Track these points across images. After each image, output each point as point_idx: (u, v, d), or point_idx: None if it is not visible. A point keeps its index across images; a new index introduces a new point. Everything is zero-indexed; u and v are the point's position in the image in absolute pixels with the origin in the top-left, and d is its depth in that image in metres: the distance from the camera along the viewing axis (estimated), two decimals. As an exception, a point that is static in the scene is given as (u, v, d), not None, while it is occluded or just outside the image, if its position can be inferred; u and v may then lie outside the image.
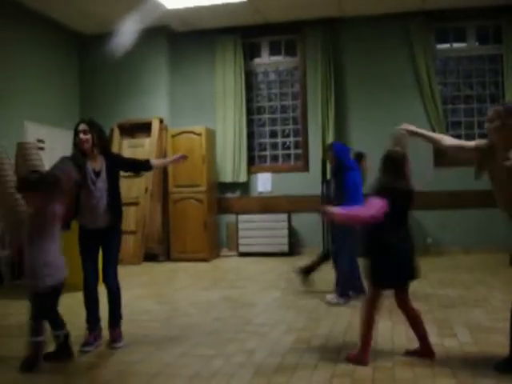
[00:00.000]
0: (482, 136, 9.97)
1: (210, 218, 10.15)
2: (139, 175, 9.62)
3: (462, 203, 9.65)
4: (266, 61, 11.02)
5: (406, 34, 10.05)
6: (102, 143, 4.75)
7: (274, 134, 10.97)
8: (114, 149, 10.45)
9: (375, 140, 10.06)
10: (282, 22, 10.46)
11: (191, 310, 5.93)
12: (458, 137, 10.13)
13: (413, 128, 4.28)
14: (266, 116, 11.01)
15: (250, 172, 10.68)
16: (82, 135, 4.61)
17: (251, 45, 11.01)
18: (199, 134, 10.07)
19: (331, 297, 6.07)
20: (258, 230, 10.19)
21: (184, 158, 5.21)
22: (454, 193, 9.66)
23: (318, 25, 10.32)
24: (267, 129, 11.00)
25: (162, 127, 10.42)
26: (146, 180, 10.04)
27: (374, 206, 3.80)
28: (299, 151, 10.74)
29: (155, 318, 5.51)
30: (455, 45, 10.31)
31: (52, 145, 9.76)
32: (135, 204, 9.96)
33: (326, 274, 6.67)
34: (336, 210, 4.01)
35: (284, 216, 10.19)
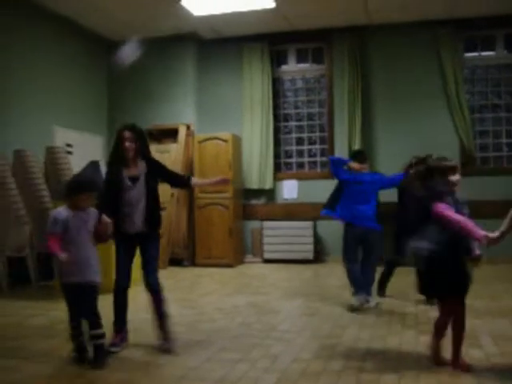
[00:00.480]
0: (509, 145, 9.95)
1: (235, 224, 10.18)
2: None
3: (487, 213, 9.55)
4: (293, 68, 11.06)
5: (433, 42, 10.00)
6: (145, 149, 4.73)
7: (300, 142, 10.99)
8: (141, 154, 10.56)
9: (401, 148, 10.08)
10: (309, 29, 10.47)
11: (216, 314, 5.96)
12: (486, 146, 10.09)
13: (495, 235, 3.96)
14: (293, 123, 11.03)
15: (275, 179, 10.70)
16: (127, 143, 4.55)
17: (278, 52, 11.05)
18: (226, 141, 10.12)
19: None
20: (283, 236, 10.20)
21: (226, 181, 5.18)
22: (479, 202, 9.57)
23: (345, 32, 10.32)
24: (293, 136, 11.02)
25: (189, 133, 10.49)
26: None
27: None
28: (325, 158, 10.73)
29: (181, 323, 5.54)
30: (483, 53, 10.24)
31: (80, 149, 9.89)
32: (162, 209, 10.02)
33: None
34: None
35: (309, 223, 10.18)
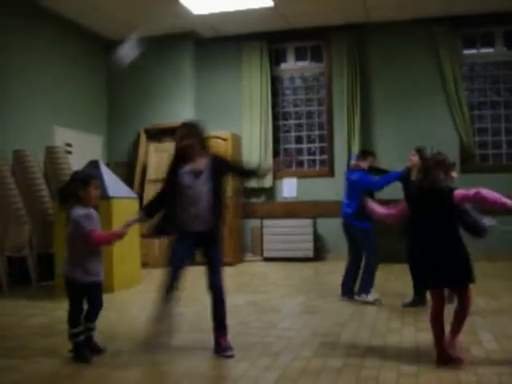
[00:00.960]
0: (508, 143, 9.95)
1: (235, 223, 10.18)
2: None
3: (487, 209, 9.55)
4: (291, 66, 11.06)
5: (432, 40, 10.01)
6: (204, 145, 4.55)
7: (299, 140, 11.00)
8: (141, 153, 10.57)
9: (400, 146, 10.08)
10: (307, 27, 10.48)
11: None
12: (485, 143, 10.10)
13: None
14: (292, 122, 11.04)
15: (275, 177, 10.71)
16: (185, 141, 4.46)
17: (277, 50, 11.06)
18: (225, 140, 10.12)
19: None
20: (283, 235, 10.21)
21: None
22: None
23: (344, 30, 10.33)
24: (293, 134, 11.03)
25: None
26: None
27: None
28: (325, 157, 10.75)
29: (181, 321, 5.54)
30: (482, 50, 10.25)
31: (80, 149, 9.90)
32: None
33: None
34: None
35: (309, 221, 10.20)
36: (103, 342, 4.57)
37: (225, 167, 4.61)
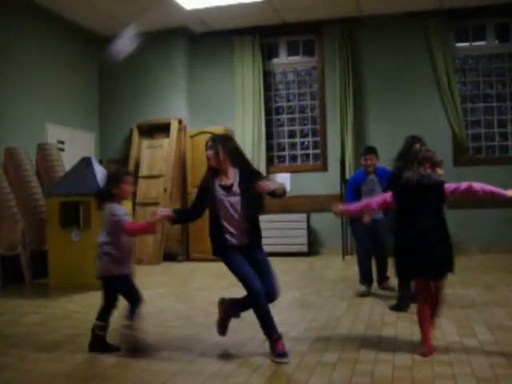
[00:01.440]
0: (501, 135, 9.97)
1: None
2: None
3: (481, 202, 9.58)
4: (284, 61, 11.05)
5: (424, 33, 10.02)
6: (231, 156, 4.42)
7: (292, 134, 10.99)
8: (133, 149, 10.54)
9: (393, 139, 10.07)
10: (299, 21, 10.48)
11: (211, 309, 5.92)
12: (478, 136, 10.11)
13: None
14: (285, 116, 11.03)
15: (268, 172, 10.70)
16: (207, 151, 4.42)
17: (269, 45, 11.05)
18: (218, 135, 10.09)
19: None
20: (277, 229, 10.20)
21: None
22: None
23: (336, 24, 10.32)
24: (286, 129, 11.02)
25: (181, 128, 10.48)
26: (164, 180, 10.10)
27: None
28: (318, 151, 10.74)
29: (175, 317, 5.55)
30: (474, 43, 10.26)
31: (72, 146, 9.88)
32: (154, 204, 10.01)
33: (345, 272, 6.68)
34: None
35: (303, 216, 10.20)
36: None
37: (252, 178, 4.44)
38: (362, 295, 6.35)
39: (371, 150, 6.76)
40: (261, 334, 4.77)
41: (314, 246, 10.34)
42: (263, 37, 10.78)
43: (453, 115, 9.84)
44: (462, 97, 10.14)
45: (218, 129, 10.12)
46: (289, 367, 3.88)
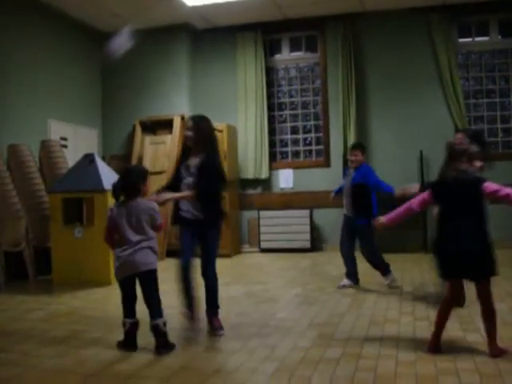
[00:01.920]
0: (504, 131, 9.95)
1: (232, 214, 10.17)
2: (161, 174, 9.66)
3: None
4: (286, 57, 11.03)
5: (427, 29, 9.99)
6: (206, 139, 4.82)
7: (295, 130, 10.99)
8: (136, 146, 10.54)
9: (396, 134, 10.11)
10: (302, 17, 10.46)
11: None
12: (481, 132, 10.09)
13: None
14: (287, 112, 11.03)
15: (271, 168, 10.71)
16: (187, 131, 4.81)
17: (272, 41, 11.03)
18: (220, 131, 10.09)
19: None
20: (280, 226, 10.21)
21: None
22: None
23: (339, 20, 10.30)
24: (288, 125, 11.01)
25: (184, 124, 10.45)
26: (167, 177, 10.09)
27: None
28: (320, 147, 10.74)
29: (179, 313, 5.55)
30: (477, 38, 10.23)
31: (75, 142, 9.88)
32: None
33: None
34: None
35: (306, 212, 10.20)
36: (102, 334, 4.57)
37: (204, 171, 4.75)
38: (342, 287, 6.56)
39: (356, 146, 6.81)
40: (265, 330, 4.79)
41: (316, 242, 10.34)
42: (265, 33, 10.77)
43: (456, 111, 9.82)
44: (465, 92, 10.11)
45: (221, 125, 10.13)
46: (292, 363, 3.88)
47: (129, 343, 4.32)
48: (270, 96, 10.91)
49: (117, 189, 4.40)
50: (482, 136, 6.78)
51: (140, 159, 10.50)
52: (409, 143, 9.95)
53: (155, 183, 10.24)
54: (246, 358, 4.03)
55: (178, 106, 10.68)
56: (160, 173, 10.00)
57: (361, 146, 6.86)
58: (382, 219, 4.43)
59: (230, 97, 10.87)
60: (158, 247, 4.53)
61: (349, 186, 6.61)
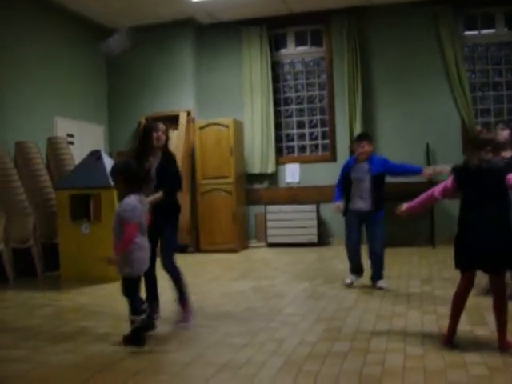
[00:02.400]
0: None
1: (239, 209, 10.20)
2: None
3: None
4: (292, 51, 11.02)
5: (433, 22, 9.95)
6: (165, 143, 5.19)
7: (301, 125, 10.98)
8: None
9: (402, 128, 10.09)
10: (307, 11, 10.43)
11: (222, 300, 5.98)
12: (488, 125, 10.07)
13: None
14: (293, 107, 11.01)
15: (277, 163, 10.71)
16: (160, 133, 5.09)
17: (277, 36, 11.02)
18: (227, 126, 10.11)
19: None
20: (287, 220, 10.22)
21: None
22: None
23: (344, 14, 10.28)
24: (294, 119, 11.00)
25: (190, 120, 10.48)
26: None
27: None
28: (327, 141, 10.73)
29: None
30: (483, 31, 10.18)
31: (81, 139, 9.90)
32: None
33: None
34: None
35: (312, 206, 10.20)
36: (110, 330, 4.59)
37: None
38: (349, 285, 6.35)
39: (362, 137, 6.36)
40: (273, 324, 4.80)
41: (323, 237, 10.34)
42: (271, 27, 10.75)
43: (462, 104, 9.79)
44: (472, 85, 10.07)
45: (227, 120, 10.14)
46: (300, 357, 3.89)
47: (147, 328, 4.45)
48: (275, 91, 10.89)
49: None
50: None
51: (146, 155, 10.51)
52: (415, 136, 9.93)
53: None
54: (253, 353, 4.04)
55: (184, 101, 10.68)
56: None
57: (367, 136, 6.45)
58: (404, 207, 4.38)
59: (235, 92, 10.86)
60: None
61: (367, 180, 6.18)
